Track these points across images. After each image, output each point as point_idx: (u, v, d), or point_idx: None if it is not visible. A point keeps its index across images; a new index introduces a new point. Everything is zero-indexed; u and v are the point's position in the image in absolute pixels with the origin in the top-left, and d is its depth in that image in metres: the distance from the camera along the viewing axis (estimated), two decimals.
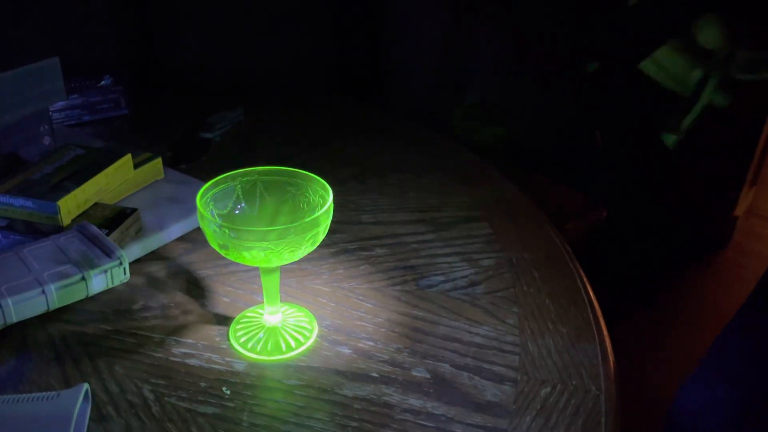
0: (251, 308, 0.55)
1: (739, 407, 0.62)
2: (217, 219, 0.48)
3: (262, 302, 0.52)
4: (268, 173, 0.50)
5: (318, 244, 0.47)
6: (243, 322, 0.53)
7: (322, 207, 0.47)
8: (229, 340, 0.51)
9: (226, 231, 0.44)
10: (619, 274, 1.83)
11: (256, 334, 0.51)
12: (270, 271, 0.49)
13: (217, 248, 0.46)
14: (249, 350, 0.50)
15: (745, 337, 0.63)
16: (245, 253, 0.45)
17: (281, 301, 0.53)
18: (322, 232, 0.47)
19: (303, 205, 0.50)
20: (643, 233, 2.04)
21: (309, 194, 0.50)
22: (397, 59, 1.86)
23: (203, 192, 0.47)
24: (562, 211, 1.26)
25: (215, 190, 0.49)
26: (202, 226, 0.46)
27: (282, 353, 0.50)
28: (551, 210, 0.74)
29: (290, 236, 0.44)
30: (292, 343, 0.51)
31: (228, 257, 0.46)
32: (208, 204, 0.48)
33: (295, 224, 0.44)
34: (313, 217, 0.45)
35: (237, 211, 0.50)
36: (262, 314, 0.53)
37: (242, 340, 0.51)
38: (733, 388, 0.62)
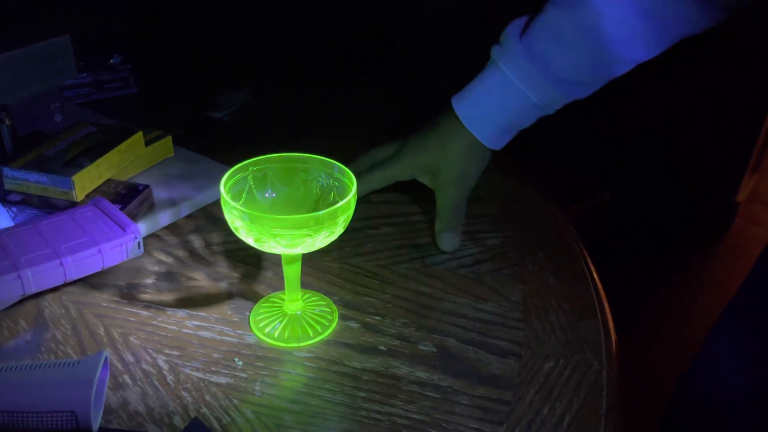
0: (273, 294, 0.55)
1: (755, 372, 0.62)
2: (260, 210, 0.48)
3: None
4: (278, 161, 0.50)
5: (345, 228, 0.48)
6: (264, 307, 0.53)
7: (335, 189, 0.48)
8: (250, 326, 0.51)
9: (263, 223, 0.44)
10: (622, 258, 1.84)
11: (276, 321, 0.52)
12: (293, 259, 0.49)
13: (252, 243, 0.46)
14: (266, 336, 0.50)
15: (763, 297, 0.63)
16: (276, 241, 0.45)
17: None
18: (350, 215, 0.47)
19: (316, 190, 0.50)
20: (646, 217, 2.05)
21: (321, 178, 0.50)
22: (409, 40, 1.85)
23: (223, 183, 0.47)
24: (566, 194, 1.27)
25: (230, 182, 0.48)
26: (229, 220, 0.46)
27: (301, 341, 0.50)
28: (555, 192, 0.74)
29: (326, 222, 0.44)
30: (311, 332, 0.51)
31: (260, 248, 0.47)
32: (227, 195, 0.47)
33: (331, 208, 0.44)
34: (346, 200, 0.45)
35: (260, 198, 0.50)
36: (282, 300, 0.53)
37: (261, 324, 0.51)
38: (751, 350, 0.63)
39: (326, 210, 0.44)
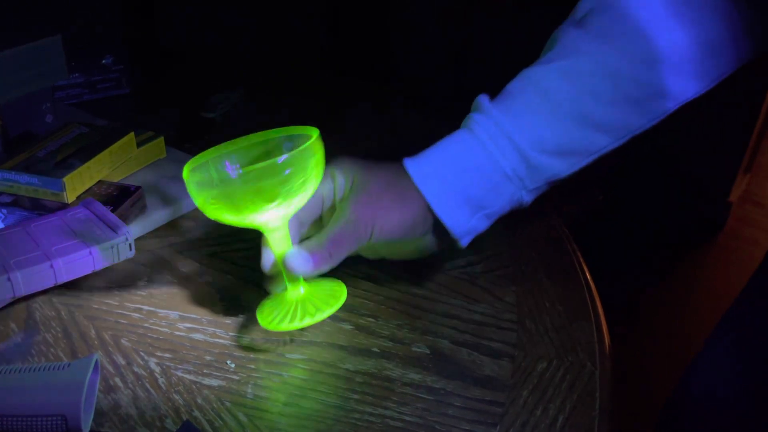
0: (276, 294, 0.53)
1: (754, 375, 0.62)
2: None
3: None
4: (236, 144, 0.49)
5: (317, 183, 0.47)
6: (268, 303, 0.51)
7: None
8: (260, 323, 0.49)
9: (233, 187, 0.43)
10: (615, 258, 1.85)
11: (283, 309, 0.49)
12: (279, 230, 0.47)
13: (233, 219, 0.45)
14: (276, 325, 0.48)
15: (763, 302, 0.63)
16: (252, 205, 0.44)
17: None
18: (320, 160, 0.46)
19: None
20: (639, 217, 2.05)
21: (284, 147, 0.49)
22: (403, 39, 1.85)
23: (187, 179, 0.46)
24: (560, 194, 1.27)
25: (195, 179, 0.47)
26: (202, 206, 0.45)
27: (315, 316, 0.48)
28: (549, 192, 0.74)
29: (296, 164, 0.43)
30: (320, 309, 0.48)
31: (243, 223, 0.46)
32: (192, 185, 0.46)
33: (299, 149, 0.44)
34: (311, 141, 0.45)
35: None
36: (285, 291, 0.50)
37: (269, 318, 0.49)
38: (751, 353, 0.63)
39: (294, 151, 0.44)
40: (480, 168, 0.51)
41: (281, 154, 0.45)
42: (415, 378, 0.47)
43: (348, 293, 0.55)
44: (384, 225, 0.50)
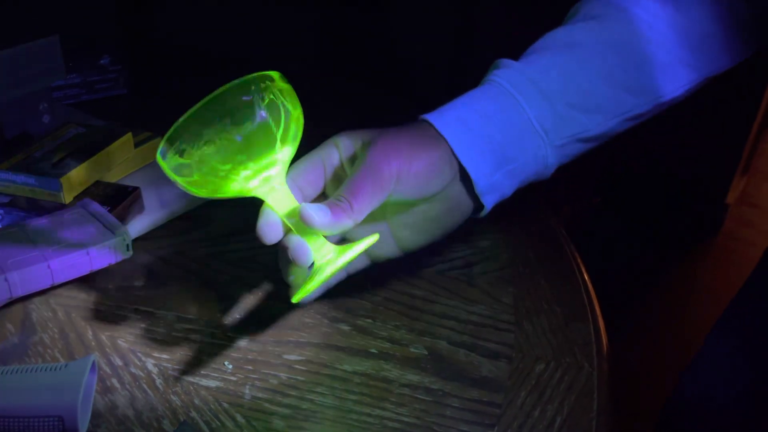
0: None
1: (753, 376, 0.62)
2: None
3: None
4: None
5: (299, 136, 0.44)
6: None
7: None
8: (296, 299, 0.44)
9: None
10: (613, 260, 1.85)
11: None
12: (276, 190, 0.43)
13: (209, 194, 0.42)
14: (302, 292, 0.42)
15: (763, 302, 0.63)
16: (228, 177, 0.40)
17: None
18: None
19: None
20: (636, 219, 2.06)
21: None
22: (402, 39, 1.85)
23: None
24: (558, 195, 1.28)
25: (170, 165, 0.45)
26: (184, 181, 0.42)
27: (333, 263, 0.42)
28: (547, 194, 0.74)
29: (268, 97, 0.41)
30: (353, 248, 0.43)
31: (242, 189, 0.42)
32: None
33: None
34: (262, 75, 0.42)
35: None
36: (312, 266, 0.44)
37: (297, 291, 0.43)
38: (750, 354, 0.63)
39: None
40: (503, 114, 0.49)
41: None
42: (412, 379, 0.47)
43: (345, 294, 0.55)
44: (409, 169, 0.46)
